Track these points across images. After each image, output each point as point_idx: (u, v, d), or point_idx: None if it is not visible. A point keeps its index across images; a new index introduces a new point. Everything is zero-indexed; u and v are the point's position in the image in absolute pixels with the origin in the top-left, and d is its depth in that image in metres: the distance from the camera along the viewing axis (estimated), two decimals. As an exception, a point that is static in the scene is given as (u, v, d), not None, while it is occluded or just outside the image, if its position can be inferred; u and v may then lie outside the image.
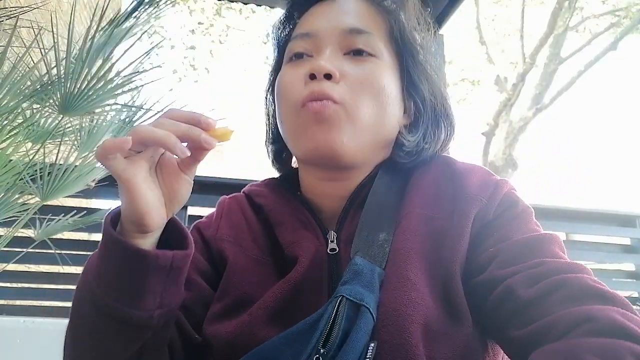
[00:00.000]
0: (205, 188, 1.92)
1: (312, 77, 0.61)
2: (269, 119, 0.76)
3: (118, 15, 1.14)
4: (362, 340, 0.50)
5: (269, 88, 0.75)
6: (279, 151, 0.74)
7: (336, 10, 0.66)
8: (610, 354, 0.39)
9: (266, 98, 0.76)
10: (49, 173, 1.26)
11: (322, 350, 0.49)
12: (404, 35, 0.67)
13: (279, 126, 0.68)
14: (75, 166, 1.31)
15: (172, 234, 0.56)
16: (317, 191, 0.67)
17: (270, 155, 0.76)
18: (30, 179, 1.23)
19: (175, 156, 0.54)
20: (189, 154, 0.50)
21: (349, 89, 0.61)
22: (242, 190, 0.74)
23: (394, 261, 0.57)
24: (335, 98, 0.60)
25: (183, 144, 0.50)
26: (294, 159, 0.74)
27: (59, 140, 1.29)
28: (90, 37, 1.04)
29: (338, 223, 0.64)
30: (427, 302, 0.53)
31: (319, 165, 0.65)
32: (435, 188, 0.63)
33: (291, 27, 0.72)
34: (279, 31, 0.73)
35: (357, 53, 0.64)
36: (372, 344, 0.50)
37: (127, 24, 1.16)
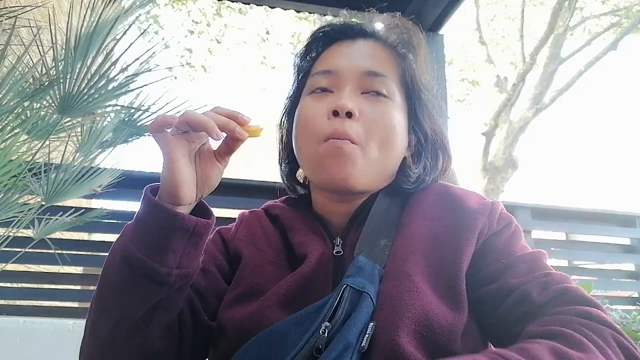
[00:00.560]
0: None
1: (335, 113, 0.69)
2: (282, 140, 0.83)
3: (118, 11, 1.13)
4: (363, 319, 0.57)
5: (284, 112, 0.83)
6: (292, 171, 0.82)
7: (356, 52, 0.75)
8: (596, 330, 0.52)
9: (281, 121, 0.83)
10: (54, 174, 1.25)
11: (327, 324, 0.57)
12: (414, 79, 0.75)
13: (295, 150, 0.76)
14: (82, 168, 1.30)
15: (199, 212, 0.66)
16: (327, 209, 0.76)
17: (283, 173, 0.83)
18: (34, 180, 1.23)
19: (212, 148, 0.65)
20: (222, 136, 0.61)
21: (365, 127, 0.69)
22: (261, 207, 0.83)
23: (392, 260, 0.65)
24: (354, 139, 0.68)
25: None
26: (299, 172, 0.83)
27: (62, 140, 1.28)
28: (88, 32, 1.04)
29: (344, 232, 0.72)
30: (424, 291, 0.61)
31: (331, 191, 0.73)
32: (434, 205, 0.71)
33: (311, 59, 0.79)
34: (300, 61, 0.81)
35: (374, 93, 0.72)
36: (372, 324, 0.58)
37: (129, 19, 1.15)
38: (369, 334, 0.56)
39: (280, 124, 0.83)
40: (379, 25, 0.78)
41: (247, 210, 0.82)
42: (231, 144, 0.65)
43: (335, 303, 0.59)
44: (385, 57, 0.75)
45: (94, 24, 1.06)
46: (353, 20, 0.79)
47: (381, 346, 0.57)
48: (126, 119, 1.32)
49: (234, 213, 2.58)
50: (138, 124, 1.28)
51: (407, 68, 0.75)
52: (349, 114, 0.68)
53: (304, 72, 0.79)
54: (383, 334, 0.57)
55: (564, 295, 0.58)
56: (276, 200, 0.83)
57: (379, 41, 0.77)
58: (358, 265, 0.63)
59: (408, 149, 0.76)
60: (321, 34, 0.79)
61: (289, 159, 0.82)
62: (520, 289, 0.61)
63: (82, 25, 1.06)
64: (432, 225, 0.68)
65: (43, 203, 1.27)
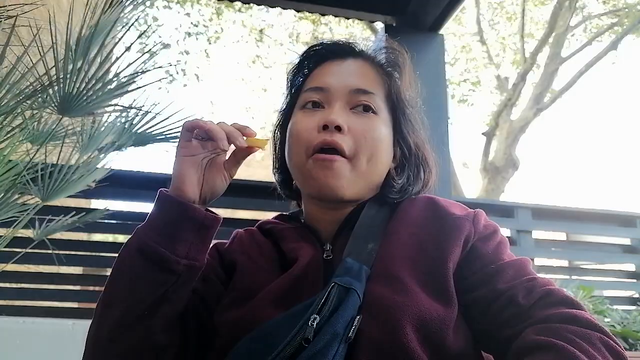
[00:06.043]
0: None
1: (325, 127, 0.73)
2: (275, 150, 0.88)
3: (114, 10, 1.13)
4: (350, 313, 0.61)
5: (278, 124, 0.88)
6: (284, 180, 0.88)
7: (345, 70, 0.80)
8: (585, 336, 0.56)
9: (274, 132, 0.88)
10: (50, 174, 1.26)
11: (316, 316, 0.60)
12: (399, 96, 0.81)
13: (287, 161, 0.81)
14: (77, 167, 1.31)
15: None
16: (317, 217, 0.80)
17: (277, 181, 0.89)
18: (31, 180, 1.23)
19: (223, 159, 0.72)
20: (226, 145, 0.68)
21: (354, 140, 0.74)
22: (255, 226, 0.88)
23: (379, 261, 0.69)
24: (345, 152, 0.73)
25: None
26: (294, 181, 0.86)
27: (60, 141, 1.28)
28: (88, 33, 1.04)
29: (333, 238, 0.77)
30: (413, 289, 0.64)
31: (320, 200, 0.78)
32: (420, 214, 0.75)
33: (303, 75, 0.84)
34: (293, 77, 0.86)
35: (362, 109, 0.77)
36: (358, 317, 0.61)
37: (126, 12, 1.15)
38: (355, 325, 0.60)
39: (274, 136, 0.88)
40: (367, 46, 0.84)
41: (242, 229, 0.87)
42: (238, 155, 0.73)
43: (324, 299, 0.62)
44: (372, 75, 0.81)
45: (94, 25, 1.06)
46: (343, 40, 0.84)
47: (374, 340, 0.60)
48: (127, 121, 1.32)
49: (234, 213, 2.59)
50: (141, 132, 1.29)
51: (393, 85, 0.81)
52: (338, 128, 0.73)
53: (296, 88, 0.85)
54: (375, 329, 0.61)
55: (548, 296, 0.63)
56: (268, 218, 0.88)
57: (367, 60, 0.82)
58: (346, 266, 0.67)
59: (393, 161, 0.81)
60: (313, 52, 0.84)
61: (281, 169, 0.87)
62: (507, 294, 0.65)
63: (82, 26, 1.05)
64: (418, 232, 0.72)
65: (41, 202, 1.27)
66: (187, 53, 8.88)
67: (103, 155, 1.38)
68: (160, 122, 1.42)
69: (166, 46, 8.51)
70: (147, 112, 1.32)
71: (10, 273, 2.02)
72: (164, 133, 1.44)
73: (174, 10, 8.65)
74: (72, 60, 1.02)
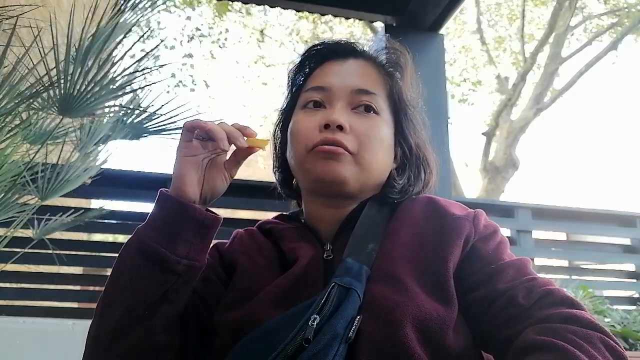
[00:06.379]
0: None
1: (327, 126, 0.73)
2: (276, 149, 0.88)
3: (115, 13, 1.13)
4: (350, 313, 0.61)
5: (279, 123, 0.88)
6: (285, 179, 0.88)
7: (347, 70, 0.80)
8: (586, 336, 0.55)
9: (275, 132, 0.89)
10: (49, 173, 1.26)
11: (316, 316, 0.60)
12: (400, 96, 0.81)
13: (288, 160, 0.81)
14: (74, 164, 1.31)
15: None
16: (318, 217, 0.80)
17: (278, 181, 0.89)
18: (30, 180, 1.23)
19: (223, 160, 0.72)
20: (227, 146, 0.68)
21: (356, 140, 0.74)
22: (255, 226, 0.87)
23: (380, 262, 0.69)
24: (348, 148, 0.73)
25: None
26: (294, 181, 0.87)
27: (60, 140, 1.29)
28: (89, 35, 1.04)
29: (334, 237, 0.77)
30: (413, 289, 0.64)
31: (322, 194, 0.77)
32: (420, 214, 0.75)
33: (304, 74, 0.84)
34: (294, 76, 0.86)
35: (363, 109, 0.77)
36: (358, 317, 0.61)
37: (128, 19, 1.15)
38: (355, 325, 0.60)
39: (274, 135, 0.89)
40: (369, 46, 0.84)
41: (242, 229, 0.87)
42: (239, 155, 0.73)
43: (324, 299, 0.62)
44: (374, 75, 0.81)
45: (95, 28, 1.06)
46: (344, 40, 0.84)
47: (375, 340, 0.60)
48: (124, 119, 1.32)
49: (234, 213, 2.59)
50: (137, 124, 1.28)
51: (395, 86, 0.81)
52: (340, 127, 0.73)
53: (296, 87, 0.84)
54: (376, 329, 0.61)
55: (548, 296, 0.63)
56: (268, 218, 0.88)
57: (368, 60, 0.82)
58: (346, 266, 0.67)
59: (394, 161, 0.81)
60: (314, 51, 0.84)
61: (282, 168, 0.87)
62: (507, 294, 0.65)
63: (83, 29, 1.06)
64: (419, 232, 0.72)
65: (40, 202, 1.27)
66: (191, 56, 8.86)
67: (99, 150, 1.38)
68: (155, 112, 1.41)
69: (172, 48, 8.51)
70: (139, 105, 1.32)
71: (10, 273, 2.02)
72: (160, 125, 1.43)
73: (175, 14, 8.65)
74: (73, 62, 1.02)
